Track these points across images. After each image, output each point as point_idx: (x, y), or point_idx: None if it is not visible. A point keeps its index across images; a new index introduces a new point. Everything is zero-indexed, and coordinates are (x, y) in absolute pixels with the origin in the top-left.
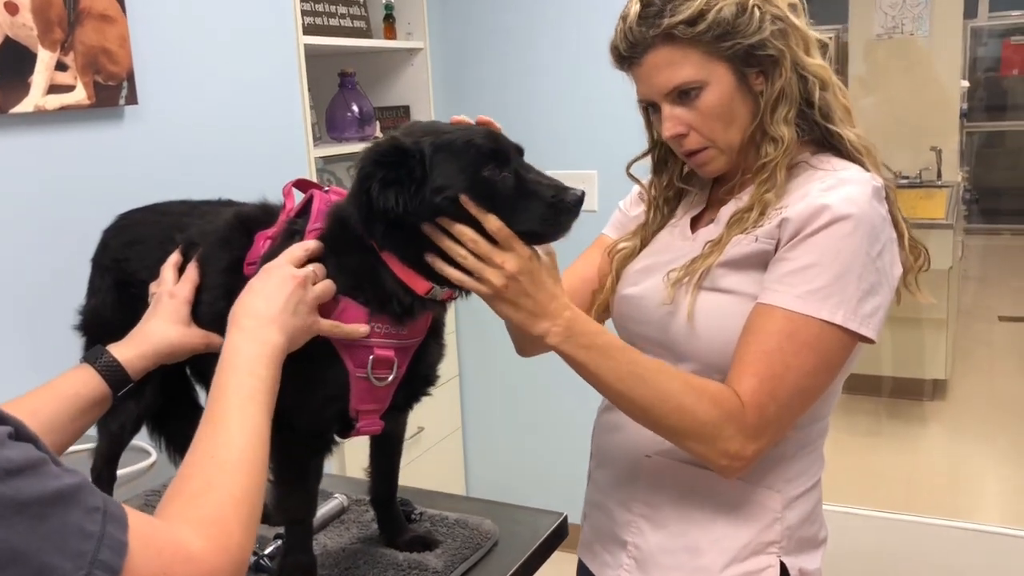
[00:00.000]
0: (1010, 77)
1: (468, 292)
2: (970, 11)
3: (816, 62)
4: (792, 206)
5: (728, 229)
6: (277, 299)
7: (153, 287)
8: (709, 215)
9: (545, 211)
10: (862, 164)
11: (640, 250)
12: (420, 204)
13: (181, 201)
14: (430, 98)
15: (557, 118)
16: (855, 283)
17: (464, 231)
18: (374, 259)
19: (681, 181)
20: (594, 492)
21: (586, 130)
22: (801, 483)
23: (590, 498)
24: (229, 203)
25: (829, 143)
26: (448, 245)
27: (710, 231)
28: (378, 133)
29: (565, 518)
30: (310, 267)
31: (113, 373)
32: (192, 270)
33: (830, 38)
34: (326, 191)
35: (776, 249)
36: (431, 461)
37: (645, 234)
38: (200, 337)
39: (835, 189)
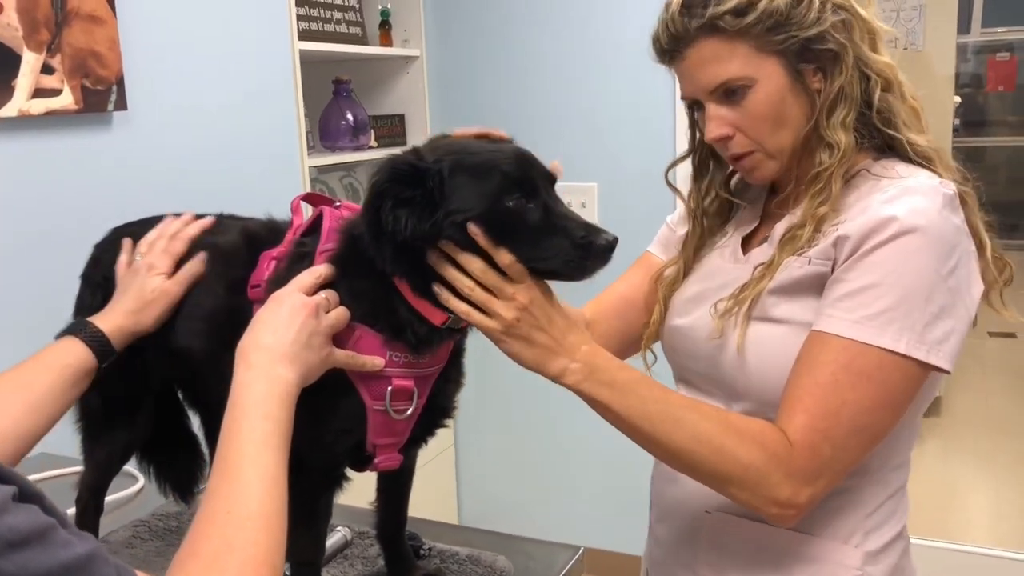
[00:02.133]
0: (993, 93)
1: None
2: (963, 26)
3: (882, 59)
4: (850, 221)
5: (780, 249)
6: (288, 332)
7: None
8: (763, 233)
9: (571, 251)
10: (931, 171)
11: (685, 273)
12: (431, 228)
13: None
14: (426, 107)
15: (557, 129)
16: (922, 305)
17: (471, 260)
18: (388, 284)
19: (728, 192)
20: (655, 548)
21: (586, 141)
22: (883, 534)
23: (652, 554)
24: (231, 218)
25: (891, 149)
26: (453, 275)
27: (763, 252)
28: (372, 142)
29: (583, 552)
30: (322, 294)
31: (100, 345)
32: (178, 242)
33: None
34: (337, 206)
35: (833, 270)
36: (421, 479)
37: (687, 253)
38: (162, 296)
39: (899, 199)
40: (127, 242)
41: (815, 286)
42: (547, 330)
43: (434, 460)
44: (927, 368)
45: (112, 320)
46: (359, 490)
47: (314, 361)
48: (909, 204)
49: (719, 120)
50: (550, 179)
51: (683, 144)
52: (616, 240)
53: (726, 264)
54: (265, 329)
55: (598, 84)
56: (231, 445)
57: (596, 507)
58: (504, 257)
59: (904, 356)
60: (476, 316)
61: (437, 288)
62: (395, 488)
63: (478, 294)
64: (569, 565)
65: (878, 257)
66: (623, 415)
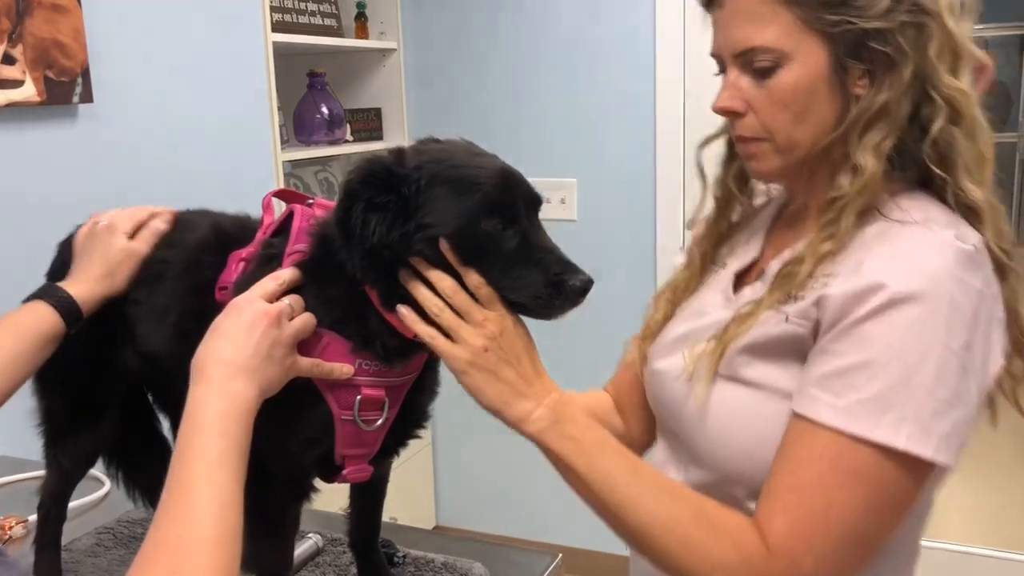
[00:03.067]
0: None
1: None
2: None
3: (957, 84)
4: (839, 277)
5: (772, 290)
6: (247, 343)
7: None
8: (761, 265)
9: (541, 287)
10: (969, 224)
11: (674, 308)
12: (401, 239)
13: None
14: (403, 101)
15: (536, 124)
16: (927, 389)
17: (442, 278)
18: (359, 291)
19: (738, 188)
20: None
21: (567, 137)
22: None
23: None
24: (206, 213)
25: (925, 186)
26: (422, 293)
27: (754, 290)
28: (348, 137)
29: (561, 558)
30: (286, 300)
31: (69, 309)
32: (142, 209)
33: None
34: (309, 204)
35: (815, 336)
36: (397, 477)
37: (692, 267)
38: (127, 256)
39: (900, 257)
40: (93, 214)
41: (792, 350)
42: (516, 366)
43: (411, 459)
44: (931, 465)
45: (80, 286)
46: (331, 496)
47: (275, 373)
48: (910, 264)
49: (734, 91)
50: (534, 203)
51: (664, 140)
52: (591, 283)
53: (717, 300)
54: (223, 340)
55: (579, 77)
56: (184, 464)
57: (579, 506)
58: (472, 278)
59: (905, 453)
60: (441, 342)
61: (402, 309)
62: (369, 495)
63: (447, 316)
64: (548, 571)
65: (871, 328)
66: (586, 477)
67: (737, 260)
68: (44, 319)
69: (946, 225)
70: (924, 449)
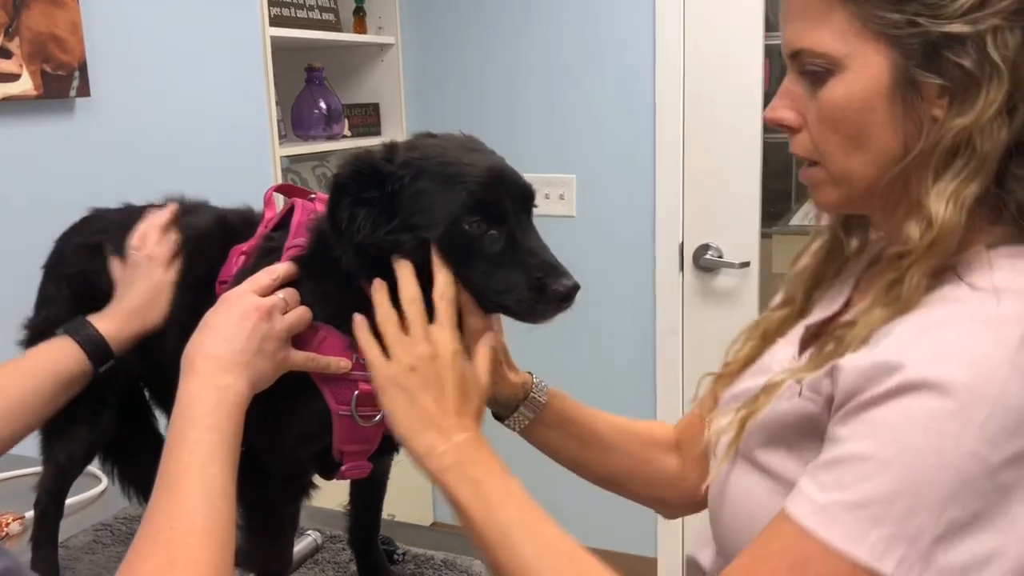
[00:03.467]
0: None
1: None
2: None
3: None
4: (867, 347)
5: (813, 356)
6: (237, 337)
7: (133, 244)
8: (840, 319)
9: (524, 292)
10: None
11: (770, 342)
12: (386, 236)
13: (155, 205)
14: (401, 96)
15: (535, 119)
16: (936, 505)
17: (407, 287)
18: (355, 286)
19: (844, 221)
20: None
21: (565, 132)
22: None
23: None
24: (211, 209)
25: None
26: (378, 300)
27: (806, 355)
28: (346, 132)
29: None
30: (280, 294)
31: (96, 347)
32: (174, 232)
33: None
34: (311, 199)
35: (830, 413)
36: (394, 473)
37: (789, 307)
38: (164, 284)
39: (935, 331)
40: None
41: (808, 431)
42: (437, 396)
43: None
44: None
45: (112, 321)
46: (330, 492)
47: (266, 368)
48: (943, 341)
49: (787, 100)
50: (526, 200)
51: (664, 139)
52: (576, 288)
53: (787, 357)
54: (213, 334)
55: (578, 72)
56: (175, 457)
57: (584, 505)
58: (439, 285)
59: None
60: (374, 353)
61: (356, 317)
62: (369, 493)
63: (389, 329)
64: None
65: (878, 416)
66: (480, 527)
67: (821, 310)
68: (66, 358)
69: (1012, 294)
70: None
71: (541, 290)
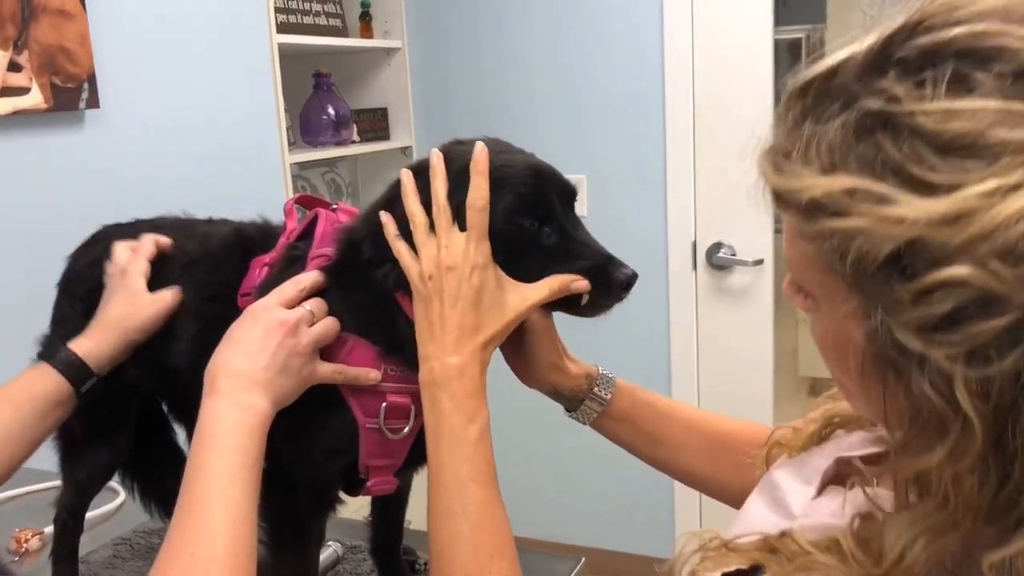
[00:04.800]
0: None
1: None
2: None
3: None
4: None
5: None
6: (262, 354)
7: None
8: (882, 463)
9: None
10: None
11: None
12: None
13: (173, 217)
14: (409, 100)
15: (543, 121)
16: None
17: (440, 189)
18: (387, 297)
19: None
20: None
21: (574, 133)
22: None
23: None
24: (225, 223)
25: None
26: (410, 201)
27: (830, 503)
28: (355, 137)
29: (583, 563)
30: (306, 306)
31: (73, 369)
32: (147, 241)
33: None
34: (334, 209)
35: None
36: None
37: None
38: (156, 301)
39: None
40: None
41: None
42: (444, 309)
43: None
44: None
45: (92, 338)
46: (351, 502)
47: (291, 385)
48: None
49: (791, 287)
50: (569, 196)
51: (674, 137)
52: (635, 276)
53: (805, 479)
54: (237, 350)
55: (587, 74)
56: (197, 479)
57: (600, 505)
58: (474, 190)
59: None
60: (403, 250)
61: (383, 215)
62: (391, 503)
63: (420, 231)
64: (571, 575)
65: None
66: (428, 454)
67: (861, 437)
68: (45, 383)
69: None
70: None
71: (604, 280)
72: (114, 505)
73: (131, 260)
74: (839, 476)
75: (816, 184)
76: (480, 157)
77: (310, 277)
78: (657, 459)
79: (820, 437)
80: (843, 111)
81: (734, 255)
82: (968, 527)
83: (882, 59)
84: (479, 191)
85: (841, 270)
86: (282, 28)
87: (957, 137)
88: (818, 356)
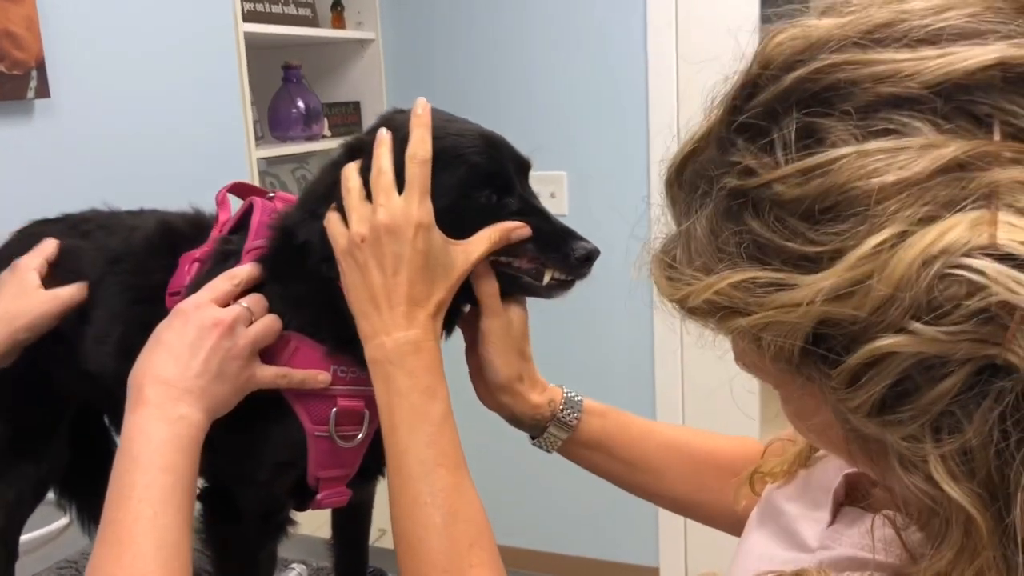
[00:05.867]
0: None
1: (450, 332)
2: None
3: None
4: None
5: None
6: (194, 359)
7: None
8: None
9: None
10: None
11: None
12: None
13: (102, 211)
14: (383, 93)
15: (523, 115)
16: None
17: (382, 156)
18: (332, 287)
19: None
20: None
21: (554, 128)
22: None
23: None
24: (152, 213)
25: None
26: (348, 170)
27: (845, 529)
28: (326, 132)
29: None
30: (243, 302)
31: None
32: (50, 243)
33: None
34: (270, 197)
35: None
36: (384, 489)
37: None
38: (50, 299)
39: None
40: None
41: None
42: (387, 276)
43: None
44: None
45: None
46: (315, 519)
47: (227, 392)
48: None
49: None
50: (524, 168)
51: (658, 131)
52: (596, 252)
53: (814, 531)
54: (165, 355)
55: (568, 67)
56: (121, 505)
57: (582, 513)
58: (413, 141)
59: None
60: (333, 219)
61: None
62: (352, 524)
63: (352, 196)
64: None
65: None
66: (384, 435)
67: None
68: None
69: None
70: None
71: (562, 254)
72: (59, 525)
73: (28, 256)
74: (852, 495)
75: (702, 286)
76: (422, 110)
77: (245, 270)
78: (637, 486)
79: (807, 458)
80: (705, 198)
81: None
82: None
83: (728, 127)
84: (421, 143)
85: (769, 367)
86: (249, 17)
87: (819, 198)
88: None
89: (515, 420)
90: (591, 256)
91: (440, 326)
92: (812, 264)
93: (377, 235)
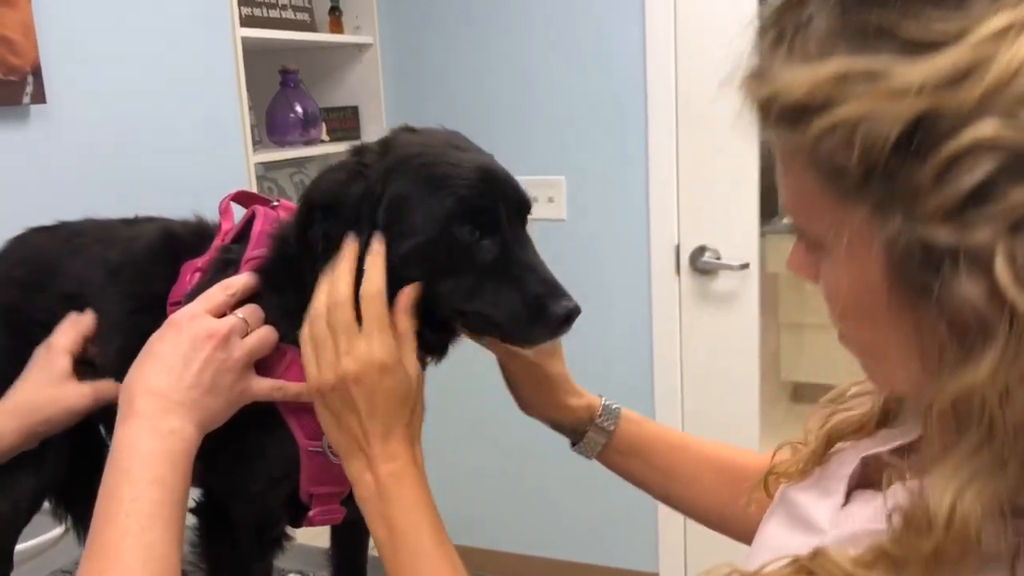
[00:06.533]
0: None
1: (443, 354)
2: None
3: None
4: None
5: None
6: (186, 371)
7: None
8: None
9: (519, 310)
10: None
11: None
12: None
13: (99, 220)
14: (381, 98)
15: (521, 120)
16: None
17: (338, 281)
18: None
19: None
20: None
21: (553, 133)
22: None
23: None
24: (152, 221)
25: None
26: (318, 292)
27: (859, 512)
28: (324, 136)
29: None
30: (239, 312)
31: None
32: (89, 316)
33: None
34: (274, 206)
35: None
36: None
37: (870, 408)
38: (84, 395)
39: None
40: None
41: None
42: (361, 420)
43: None
44: None
45: None
46: (316, 529)
47: (220, 405)
48: None
49: (800, 249)
50: (521, 208)
51: (656, 135)
52: (577, 311)
53: (827, 514)
54: (157, 366)
55: (566, 71)
56: (109, 519)
57: (582, 519)
58: (368, 278)
59: None
60: (307, 352)
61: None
62: (352, 534)
63: (317, 328)
64: None
65: None
66: (387, 564)
67: (883, 436)
68: None
69: None
70: None
71: (538, 310)
72: (53, 535)
73: (63, 333)
74: (866, 479)
75: (800, 77)
76: (376, 247)
77: (241, 280)
78: (671, 495)
79: (821, 456)
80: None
81: (719, 259)
82: (1021, 459)
83: None
84: (372, 280)
85: (846, 179)
86: (246, 22)
87: None
88: (801, 361)
89: (556, 426)
90: (570, 317)
91: (417, 448)
92: (929, 47)
93: (344, 384)
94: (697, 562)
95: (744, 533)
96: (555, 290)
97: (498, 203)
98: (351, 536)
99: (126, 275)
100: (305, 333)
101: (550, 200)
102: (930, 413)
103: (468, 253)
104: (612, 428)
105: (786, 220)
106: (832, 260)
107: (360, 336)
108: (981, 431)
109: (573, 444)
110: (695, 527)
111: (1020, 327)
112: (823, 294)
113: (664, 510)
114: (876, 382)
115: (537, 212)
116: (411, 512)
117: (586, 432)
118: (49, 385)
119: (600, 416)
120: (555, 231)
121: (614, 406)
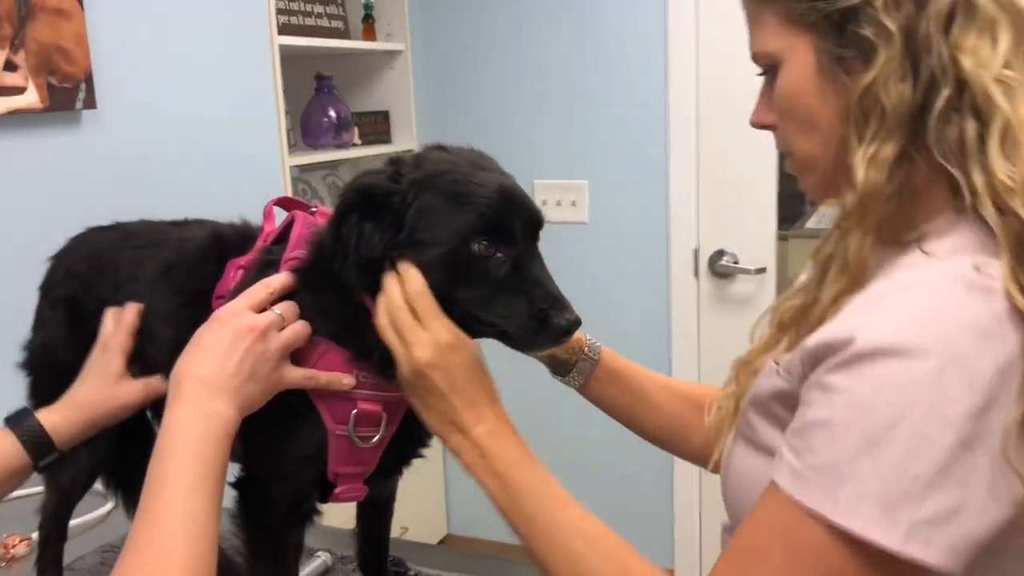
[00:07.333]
0: None
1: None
2: None
3: (965, 43)
4: (832, 323)
5: (777, 331)
6: (229, 360)
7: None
8: None
9: (525, 319)
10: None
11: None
12: (391, 251)
13: (152, 222)
14: (411, 103)
15: (546, 124)
16: (896, 461)
17: (413, 280)
18: (357, 301)
19: None
20: None
21: (577, 137)
22: None
23: None
24: (202, 224)
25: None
26: (382, 306)
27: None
28: (356, 140)
29: None
30: (276, 309)
31: (35, 441)
32: (130, 312)
33: None
34: (313, 211)
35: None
36: (407, 484)
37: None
38: (137, 391)
39: (883, 299)
40: (116, 312)
41: (786, 406)
42: (446, 397)
43: (419, 464)
44: (915, 566)
45: (62, 413)
46: (341, 511)
47: (258, 391)
48: (891, 308)
49: (763, 101)
50: (534, 226)
51: (677, 143)
52: (578, 323)
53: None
54: (203, 356)
55: (590, 78)
56: (157, 489)
57: (602, 514)
58: (410, 283)
59: (863, 540)
60: (393, 338)
61: (377, 301)
62: (375, 515)
63: (389, 335)
64: None
65: (836, 382)
66: (509, 516)
67: None
68: (5, 452)
69: (964, 253)
70: (887, 538)
71: (543, 321)
72: (102, 512)
73: (113, 334)
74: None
75: None
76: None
77: (279, 279)
78: (632, 416)
79: (776, 340)
80: None
81: (736, 263)
82: (901, 130)
83: None
84: (412, 280)
85: (797, 12)
86: (284, 30)
87: None
88: None
89: (553, 360)
90: (571, 329)
91: (499, 406)
92: None
93: (425, 370)
94: (712, 558)
95: (685, 452)
96: (559, 303)
97: (515, 220)
98: (376, 516)
99: (178, 272)
100: (393, 334)
101: (573, 204)
102: (848, 135)
103: (484, 264)
104: (597, 357)
105: (810, 224)
106: (784, 68)
107: (421, 328)
108: (877, 119)
109: (558, 375)
110: (710, 523)
111: (890, 41)
112: (777, 109)
113: (680, 506)
114: (808, 182)
115: (560, 215)
116: (512, 459)
117: (577, 363)
118: (107, 383)
119: (588, 347)
120: (577, 234)
121: (596, 342)
